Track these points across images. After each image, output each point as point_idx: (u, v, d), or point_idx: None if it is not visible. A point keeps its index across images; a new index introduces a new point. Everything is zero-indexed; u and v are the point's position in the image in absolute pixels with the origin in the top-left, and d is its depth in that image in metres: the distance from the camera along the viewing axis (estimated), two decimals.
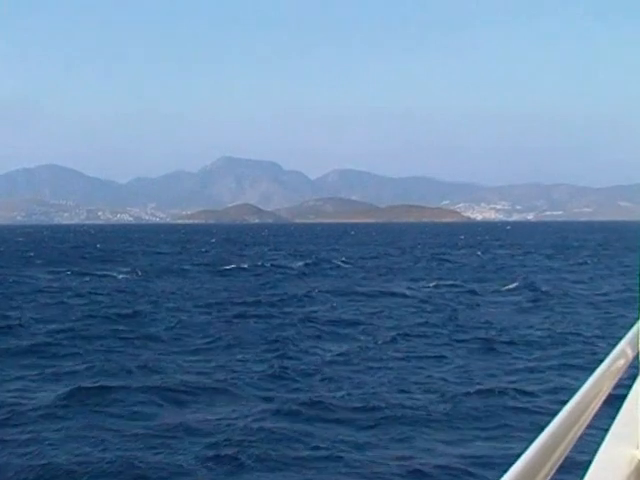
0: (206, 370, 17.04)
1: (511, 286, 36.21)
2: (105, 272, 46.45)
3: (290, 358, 18.28)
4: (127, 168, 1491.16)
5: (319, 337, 22.00)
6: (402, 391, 14.98)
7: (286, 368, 16.89)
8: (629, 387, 2.72)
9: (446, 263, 57.47)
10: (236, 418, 12.96)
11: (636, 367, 2.60)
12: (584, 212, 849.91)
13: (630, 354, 2.49)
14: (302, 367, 17.29)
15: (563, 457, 1.55)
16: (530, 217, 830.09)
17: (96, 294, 33.80)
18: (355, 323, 24.70)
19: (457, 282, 39.19)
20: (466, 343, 20.77)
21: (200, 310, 28.00)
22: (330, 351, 19.54)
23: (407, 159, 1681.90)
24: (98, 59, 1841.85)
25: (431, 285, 37.94)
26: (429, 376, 16.43)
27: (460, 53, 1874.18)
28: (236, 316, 25.98)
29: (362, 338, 21.53)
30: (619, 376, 2.28)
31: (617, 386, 2.23)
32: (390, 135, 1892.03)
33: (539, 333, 22.48)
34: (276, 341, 20.69)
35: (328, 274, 46.62)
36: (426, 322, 24.75)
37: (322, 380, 16.04)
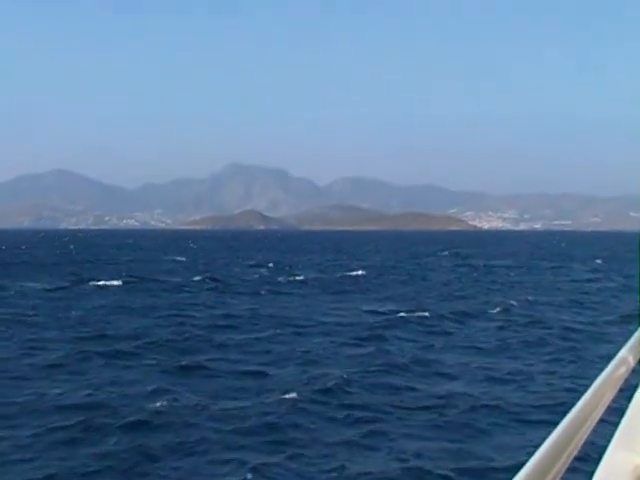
0: None
1: None
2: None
3: None
4: (136, 174, 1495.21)
5: None
6: None
7: None
8: (631, 395, 2.69)
9: None
10: None
11: (638, 374, 2.59)
12: (593, 222, 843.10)
13: (631, 362, 2.49)
14: None
15: (566, 466, 1.54)
16: (538, 226, 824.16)
17: None
18: None
19: None
20: None
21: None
22: None
23: (416, 167, 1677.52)
24: (108, 64, 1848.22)
25: None
26: None
27: (465, 61, 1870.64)
28: None
29: None
30: (620, 384, 2.28)
31: (619, 394, 2.22)
32: (399, 143, 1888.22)
33: None
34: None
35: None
36: None
37: None
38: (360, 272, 53.34)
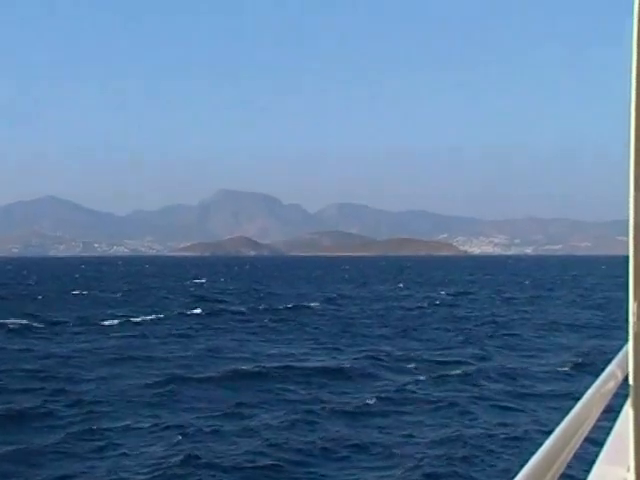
0: None
1: None
2: None
3: None
4: (126, 201, 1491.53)
5: None
6: None
7: None
8: (619, 409, 2.71)
9: None
10: None
11: (626, 389, 2.60)
12: (582, 247, 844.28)
13: (619, 376, 2.48)
14: None
15: None
16: (529, 251, 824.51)
17: None
18: None
19: None
20: None
21: None
22: None
23: (407, 193, 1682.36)
24: (97, 91, 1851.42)
25: None
26: None
27: (458, 89, 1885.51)
28: None
29: None
30: (609, 398, 2.28)
31: (607, 408, 2.21)
32: (391, 169, 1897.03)
33: None
34: None
35: None
36: None
37: None
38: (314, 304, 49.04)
